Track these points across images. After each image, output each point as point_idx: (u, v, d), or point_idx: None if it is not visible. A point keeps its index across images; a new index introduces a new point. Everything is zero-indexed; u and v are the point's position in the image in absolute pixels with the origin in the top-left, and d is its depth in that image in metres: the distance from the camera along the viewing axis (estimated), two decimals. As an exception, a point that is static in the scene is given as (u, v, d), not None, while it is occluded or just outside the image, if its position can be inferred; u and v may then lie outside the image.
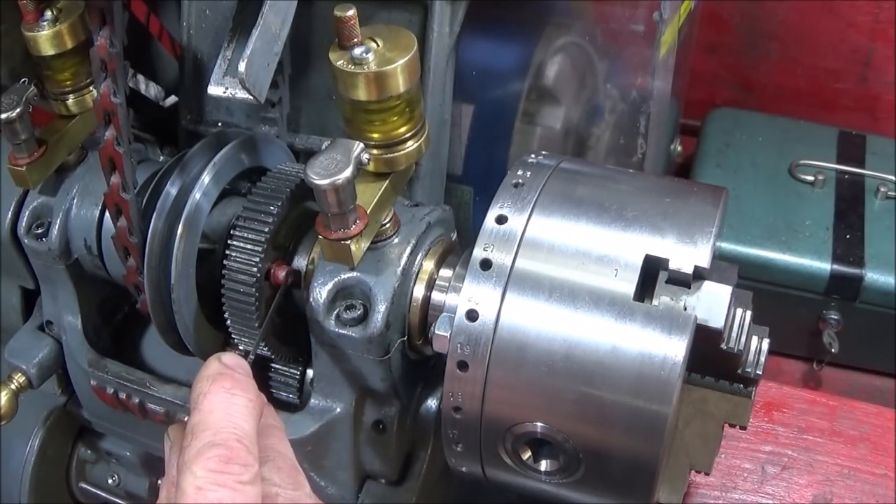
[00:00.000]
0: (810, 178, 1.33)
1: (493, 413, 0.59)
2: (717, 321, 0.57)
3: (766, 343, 0.62)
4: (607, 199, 0.61)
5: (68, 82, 0.75)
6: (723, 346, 0.59)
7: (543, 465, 0.61)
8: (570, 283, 0.58)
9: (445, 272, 0.68)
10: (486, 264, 0.59)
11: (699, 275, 0.57)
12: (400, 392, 0.70)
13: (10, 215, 0.78)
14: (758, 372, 0.62)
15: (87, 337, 0.80)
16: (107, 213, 0.73)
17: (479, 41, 0.86)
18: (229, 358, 0.59)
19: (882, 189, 1.31)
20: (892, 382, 1.27)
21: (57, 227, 0.76)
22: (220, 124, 0.83)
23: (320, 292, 0.66)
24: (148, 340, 0.83)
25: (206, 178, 0.69)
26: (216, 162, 0.70)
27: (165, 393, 0.76)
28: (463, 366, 0.59)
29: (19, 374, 0.80)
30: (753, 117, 1.48)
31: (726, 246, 1.23)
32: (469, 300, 0.58)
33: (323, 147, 0.61)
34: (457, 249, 0.71)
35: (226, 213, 0.73)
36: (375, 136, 0.63)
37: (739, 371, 0.62)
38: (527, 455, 0.61)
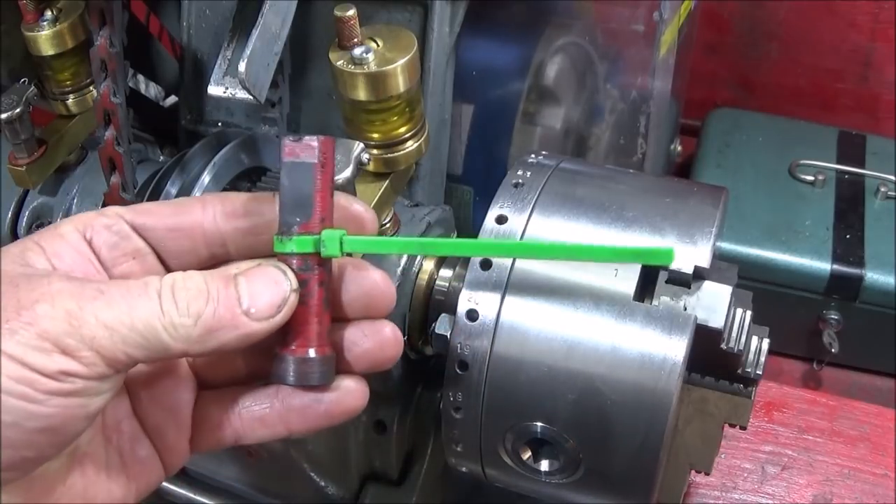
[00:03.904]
0: (810, 178, 1.33)
1: (493, 413, 0.59)
2: (717, 321, 0.57)
3: (766, 343, 0.62)
4: (607, 200, 0.61)
5: (68, 82, 0.75)
6: (723, 346, 0.59)
7: (543, 465, 0.61)
8: (570, 283, 0.58)
9: (445, 272, 0.68)
10: (486, 264, 0.59)
11: (699, 275, 0.57)
12: (400, 392, 0.70)
13: (10, 215, 0.78)
14: (758, 372, 0.62)
15: (87, 337, 0.80)
16: (107, 213, 0.73)
17: (479, 41, 0.86)
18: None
19: (882, 189, 1.31)
20: (892, 382, 1.27)
21: (57, 227, 0.76)
22: (220, 124, 0.83)
23: (320, 292, 0.66)
24: (148, 340, 0.83)
25: (206, 178, 0.69)
26: (216, 162, 0.70)
27: (165, 393, 0.76)
28: (463, 366, 0.59)
29: (19, 374, 0.80)
30: (753, 117, 1.48)
31: (726, 246, 1.23)
32: (469, 300, 0.58)
33: (323, 147, 0.61)
34: (457, 249, 0.71)
35: (226, 213, 0.73)
36: (375, 136, 0.63)
37: (739, 371, 0.62)
38: (527, 455, 0.61)
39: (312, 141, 0.50)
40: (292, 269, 0.50)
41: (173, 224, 0.53)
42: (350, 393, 0.52)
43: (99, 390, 0.46)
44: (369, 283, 0.53)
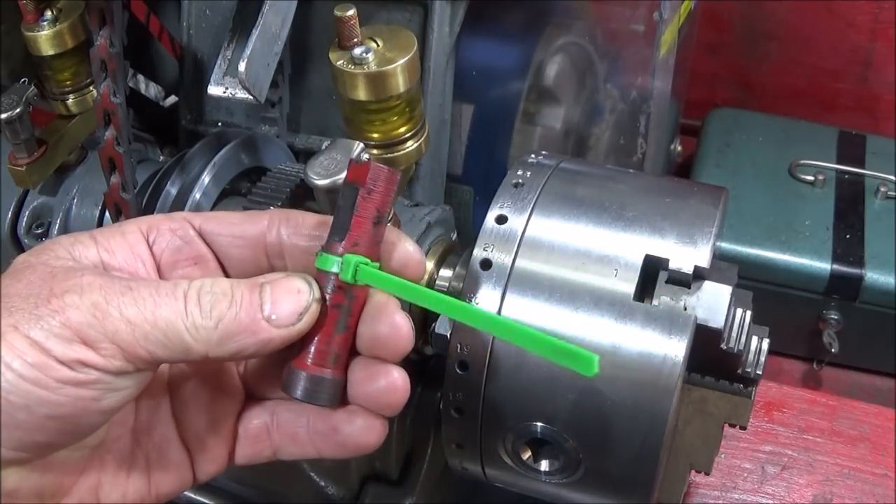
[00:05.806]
0: (810, 178, 1.33)
1: (493, 413, 0.59)
2: (717, 321, 0.57)
3: (766, 343, 0.62)
4: (607, 200, 0.61)
5: (68, 82, 0.75)
6: (723, 346, 0.59)
7: (543, 465, 0.61)
8: (570, 283, 0.58)
9: (445, 272, 0.68)
10: (486, 264, 0.59)
11: (699, 275, 0.57)
12: (400, 392, 0.70)
13: (10, 215, 0.78)
14: (758, 372, 0.62)
15: (87, 337, 0.80)
16: (107, 213, 0.73)
17: (479, 41, 0.86)
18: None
19: (882, 189, 1.31)
20: (892, 382, 1.27)
21: (57, 227, 0.76)
22: (220, 124, 0.83)
23: (320, 292, 0.66)
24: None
25: (206, 178, 0.69)
26: (216, 162, 0.70)
27: (165, 393, 0.76)
28: (463, 366, 0.59)
29: (19, 374, 0.80)
30: (753, 117, 1.48)
31: (726, 246, 1.23)
32: (469, 300, 0.58)
33: (323, 147, 0.61)
34: (457, 249, 0.71)
35: (226, 213, 0.73)
36: (375, 136, 0.63)
37: (739, 371, 0.62)
38: (527, 455, 0.61)
39: (365, 165, 0.50)
40: (328, 287, 0.50)
41: (239, 232, 0.54)
42: (365, 430, 0.52)
43: (116, 386, 0.46)
44: (389, 325, 0.51)
